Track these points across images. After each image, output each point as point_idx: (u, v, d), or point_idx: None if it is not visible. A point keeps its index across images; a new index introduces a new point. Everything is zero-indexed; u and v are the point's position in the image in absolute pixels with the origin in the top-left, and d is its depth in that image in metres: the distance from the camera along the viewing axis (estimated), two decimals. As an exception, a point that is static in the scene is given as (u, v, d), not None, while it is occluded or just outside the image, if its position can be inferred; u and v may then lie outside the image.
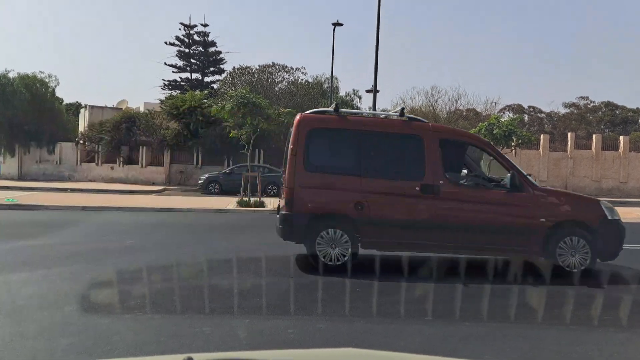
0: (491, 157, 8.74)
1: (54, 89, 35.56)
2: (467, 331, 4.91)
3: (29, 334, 4.43)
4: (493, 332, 4.90)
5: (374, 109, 21.88)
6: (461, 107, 41.53)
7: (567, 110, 52.81)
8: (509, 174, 8.08)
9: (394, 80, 74.94)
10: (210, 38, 46.64)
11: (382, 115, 9.95)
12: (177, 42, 46.34)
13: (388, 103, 72.49)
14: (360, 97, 48.79)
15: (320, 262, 7.47)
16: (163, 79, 47.21)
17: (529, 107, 52.24)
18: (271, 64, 35.68)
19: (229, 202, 18.86)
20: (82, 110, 41.09)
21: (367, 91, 25.66)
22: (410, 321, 5.20)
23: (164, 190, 27.64)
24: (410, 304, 5.92)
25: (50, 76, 35.21)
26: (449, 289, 6.53)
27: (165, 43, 46.46)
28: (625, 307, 5.87)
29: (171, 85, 46.30)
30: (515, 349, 4.51)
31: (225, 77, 39.45)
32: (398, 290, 6.39)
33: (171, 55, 48.55)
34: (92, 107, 37.89)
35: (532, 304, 6.26)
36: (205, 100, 31.83)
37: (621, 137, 35.38)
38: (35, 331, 4.51)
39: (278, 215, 8.24)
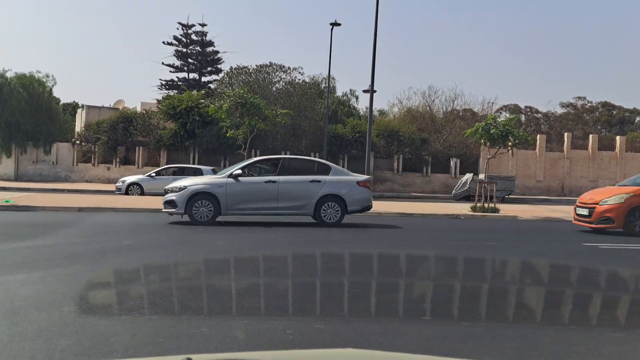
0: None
1: (51, 89, 35.46)
2: (466, 331, 4.91)
3: (27, 335, 4.42)
4: (492, 332, 4.90)
5: (371, 109, 21.88)
6: (458, 107, 41.62)
7: (564, 111, 52.98)
8: None
9: (391, 80, 75.11)
10: (208, 38, 46.64)
11: None
12: (174, 42, 46.30)
13: (385, 103, 72.62)
14: (357, 97, 48.90)
15: None
16: (160, 79, 47.19)
17: (526, 107, 52.38)
18: (268, 63, 35.65)
19: (227, 203, 18.79)
20: (79, 110, 41.01)
21: (364, 91, 25.64)
22: (408, 321, 5.20)
23: (161, 190, 27.59)
24: (408, 303, 5.93)
25: (47, 76, 35.11)
26: (447, 289, 6.53)
27: (163, 43, 46.46)
28: (624, 307, 5.88)
29: (168, 85, 46.24)
30: (514, 348, 4.51)
31: (223, 77, 39.41)
32: (396, 290, 6.40)
33: (169, 55, 48.54)
34: (89, 107, 37.80)
35: (530, 303, 6.27)
36: (203, 100, 31.82)
37: (618, 137, 35.50)
38: (34, 332, 4.50)
39: None
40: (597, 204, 13.26)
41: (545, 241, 12.15)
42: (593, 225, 13.19)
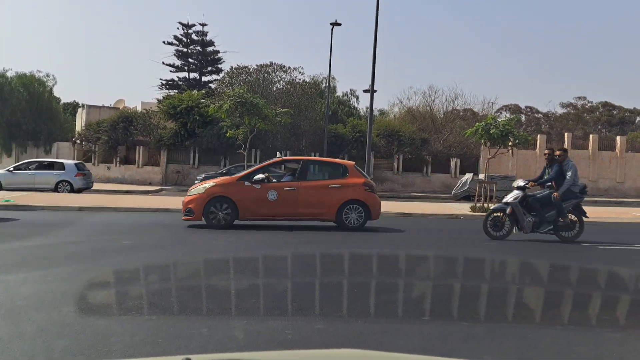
0: None
1: (51, 89, 35.55)
2: (466, 331, 4.90)
3: (26, 335, 4.42)
4: (492, 332, 4.89)
5: (371, 109, 21.86)
6: (458, 107, 41.60)
7: (565, 111, 52.95)
8: None
9: (391, 80, 75.14)
10: (208, 38, 46.64)
11: None
12: (175, 42, 46.30)
13: (385, 103, 72.62)
14: (357, 97, 48.95)
15: None
16: (161, 79, 47.20)
17: (526, 107, 52.35)
18: (269, 63, 35.65)
19: (227, 202, 18.78)
20: (79, 110, 41.03)
21: (365, 91, 25.64)
22: (408, 321, 5.19)
23: (161, 190, 27.60)
24: (408, 303, 5.92)
25: (48, 75, 35.20)
26: (447, 289, 6.52)
27: (164, 42, 46.51)
28: (624, 307, 5.87)
29: (169, 84, 46.25)
30: (514, 348, 4.51)
31: (223, 76, 39.44)
32: (396, 290, 6.38)
33: (169, 54, 48.50)
34: (89, 106, 37.82)
35: (530, 303, 6.26)
36: (203, 100, 31.82)
37: (618, 137, 35.48)
38: (33, 332, 4.49)
39: None
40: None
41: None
42: (183, 218, 12.52)
